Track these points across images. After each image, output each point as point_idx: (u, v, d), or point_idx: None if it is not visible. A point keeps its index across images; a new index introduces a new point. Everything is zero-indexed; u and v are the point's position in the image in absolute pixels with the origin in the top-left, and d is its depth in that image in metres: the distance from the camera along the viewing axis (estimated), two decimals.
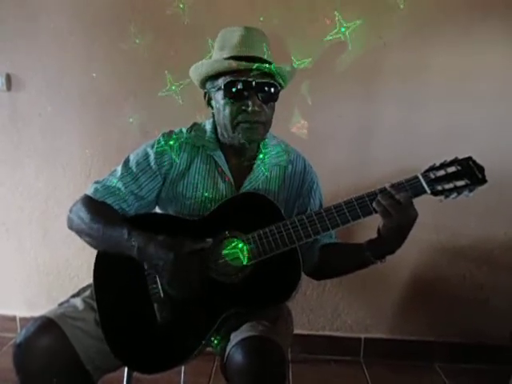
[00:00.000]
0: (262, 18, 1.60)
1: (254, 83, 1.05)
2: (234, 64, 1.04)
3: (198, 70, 1.13)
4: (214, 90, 1.11)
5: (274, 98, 1.11)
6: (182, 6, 1.72)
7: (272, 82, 1.08)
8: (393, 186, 1.02)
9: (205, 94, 1.17)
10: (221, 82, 1.07)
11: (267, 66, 1.06)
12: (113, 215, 1.11)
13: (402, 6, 1.65)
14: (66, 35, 1.88)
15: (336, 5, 1.66)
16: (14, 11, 1.88)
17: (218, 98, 1.10)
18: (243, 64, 1.04)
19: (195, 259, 1.01)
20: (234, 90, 1.06)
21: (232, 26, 1.13)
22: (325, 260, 1.19)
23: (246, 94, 1.06)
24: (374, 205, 1.01)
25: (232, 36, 1.09)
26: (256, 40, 1.09)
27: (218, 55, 1.11)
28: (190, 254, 1.00)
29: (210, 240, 1.04)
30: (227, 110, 1.08)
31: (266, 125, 1.13)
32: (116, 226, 1.05)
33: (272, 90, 1.09)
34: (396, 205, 0.99)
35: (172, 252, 0.98)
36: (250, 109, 1.06)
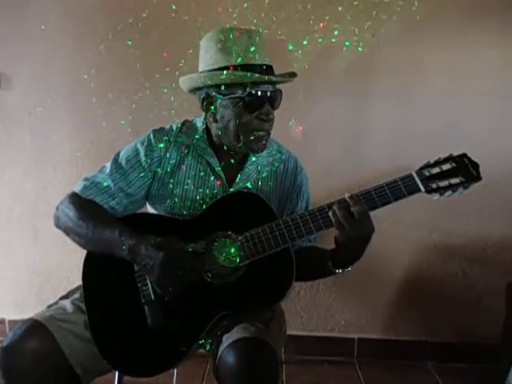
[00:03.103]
0: (254, 21, 1.59)
1: (269, 93, 1.05)
2: (265, 78, 1.02)
3: (202, 80, 1.07)
4: (222, 97, 1.06)
5: (280, 104, 1.11)
6: (174, 6, 1.71)
7: (280, 89, 1.10)
8: (351, 197, 1.00)
9: (204, 98, 1.09)
10: (240, 92, 1.03)
11: (289, 78, 1.10)
12: (102, 214, 1.09)
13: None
14: (56, 34, 1.86)
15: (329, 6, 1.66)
16: (4, 10, 1.85)
17: (230, 106, 1.06)
18: (273, 79, 1.04)
19: (186, 259, 0.99)
20: (255, 101, 1.04)
21: (225, 25, 1.11)
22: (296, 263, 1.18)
23: (263, 103, 1.06)
24: (330, 214, 0.99)
25: (238, 40, 1.04)
26: (262, 44, 1.07)
27: (223, 59, 1.04)
28: (180, 253, 0.98)
29: (202, 242, 1.03)
30: (243, 120, 1.05)
31: None
32: (106, 226, 1.04)
33: (281, 97, 1.10)
34: (349, 218, 0.97)
35: (162, 251, 0.97)
36: (266, 117, 1.06)
